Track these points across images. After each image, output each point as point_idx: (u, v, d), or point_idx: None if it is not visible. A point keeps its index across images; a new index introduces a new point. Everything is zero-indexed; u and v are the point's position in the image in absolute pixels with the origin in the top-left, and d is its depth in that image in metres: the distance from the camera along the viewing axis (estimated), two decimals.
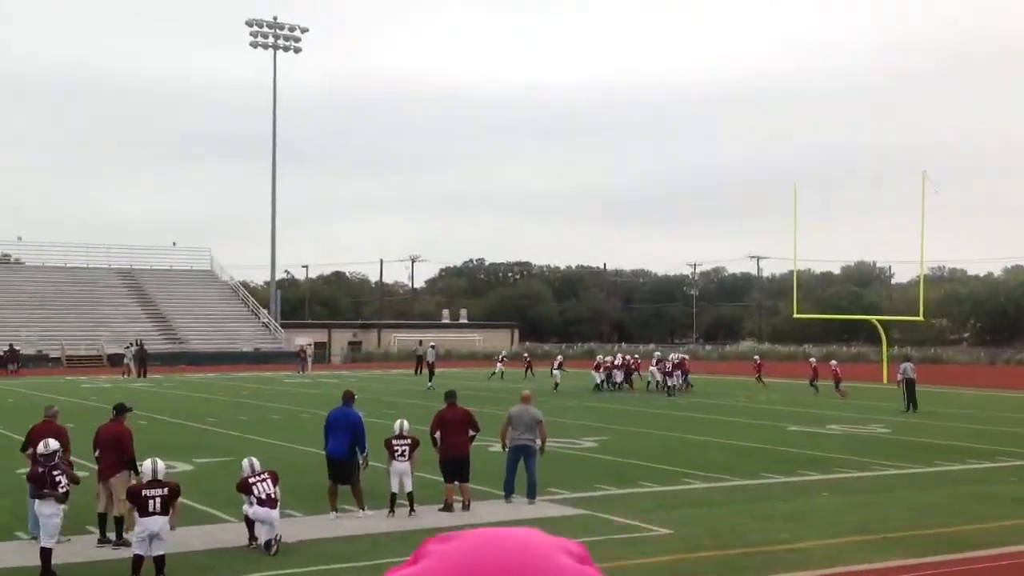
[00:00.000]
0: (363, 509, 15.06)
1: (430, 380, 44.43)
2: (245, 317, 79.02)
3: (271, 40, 77.16)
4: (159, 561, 11.72)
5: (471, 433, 16.18)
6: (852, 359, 77.75)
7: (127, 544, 12.65)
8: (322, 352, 78.01)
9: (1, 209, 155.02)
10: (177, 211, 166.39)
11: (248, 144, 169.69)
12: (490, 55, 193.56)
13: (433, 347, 48.97)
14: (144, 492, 11.94)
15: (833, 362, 43.08)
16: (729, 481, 18.63)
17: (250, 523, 13.20)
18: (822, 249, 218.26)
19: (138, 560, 11.64)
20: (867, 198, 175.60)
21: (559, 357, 47.80)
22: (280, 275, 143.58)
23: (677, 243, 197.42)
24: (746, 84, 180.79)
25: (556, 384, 43.17)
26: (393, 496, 15.18)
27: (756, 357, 49.07)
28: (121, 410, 14.16)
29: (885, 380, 49.42)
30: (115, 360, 60.97)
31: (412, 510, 15.13)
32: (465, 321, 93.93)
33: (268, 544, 12.80)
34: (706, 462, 20.90)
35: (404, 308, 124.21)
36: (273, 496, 13.21)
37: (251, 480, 13.42)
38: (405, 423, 15.89)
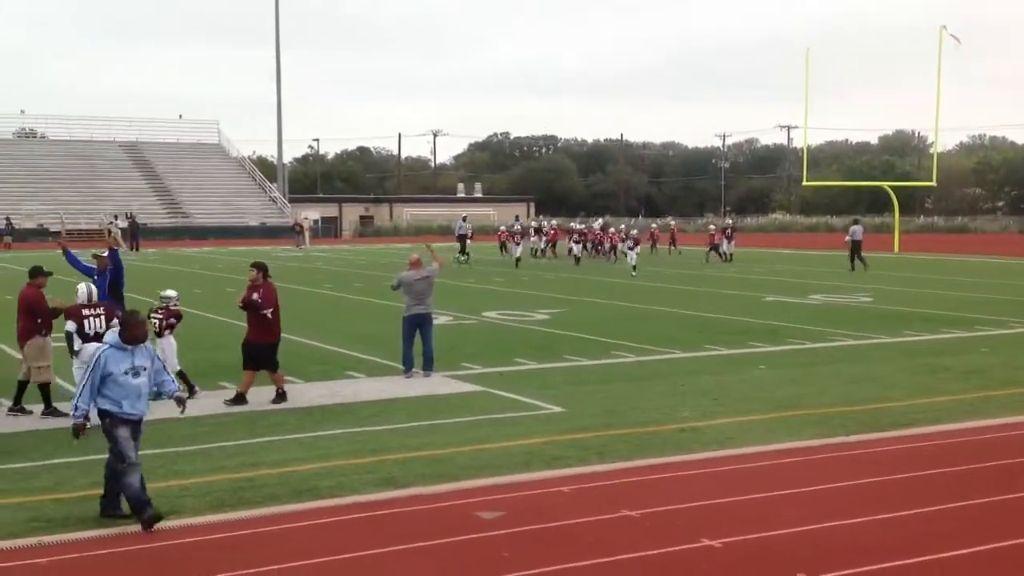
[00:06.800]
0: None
1: (462, 253, 41.84)
2: (252, 191, 77.47)
3: None
4: None
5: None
6: (875, 229, 75.38)
7: (24, 411, 12.26)
8: (332, 226, 76.63)
9: (6, 84, 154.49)
10: (194, 90, 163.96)
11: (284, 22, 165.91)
12: None
13: (465, 219, 46.45)
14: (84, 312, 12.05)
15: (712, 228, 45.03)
16: (665, 354, 16.93)
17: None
18: (865, 119, 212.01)
19: None
20: (912, 67, 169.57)
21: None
22: (303, 150, 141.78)
23: (709, 115, 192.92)
24: None
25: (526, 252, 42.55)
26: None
27: (711, 227, 46.47)
28: (34, 273, 12.84)
29: (896, 249, 47.24)
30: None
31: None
32: (479, 195, 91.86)
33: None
34: (651, 334, 19.18)
35: (427, 183, 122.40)
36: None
37: (84, 311, 12.13)
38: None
